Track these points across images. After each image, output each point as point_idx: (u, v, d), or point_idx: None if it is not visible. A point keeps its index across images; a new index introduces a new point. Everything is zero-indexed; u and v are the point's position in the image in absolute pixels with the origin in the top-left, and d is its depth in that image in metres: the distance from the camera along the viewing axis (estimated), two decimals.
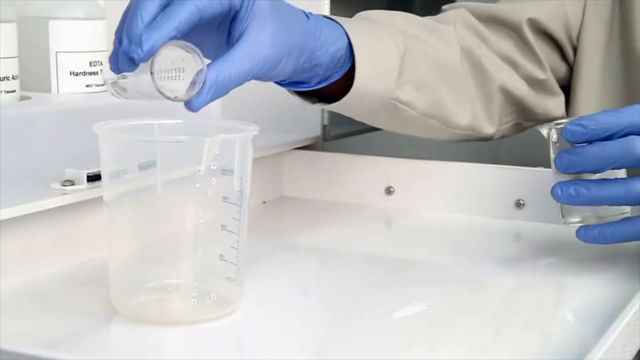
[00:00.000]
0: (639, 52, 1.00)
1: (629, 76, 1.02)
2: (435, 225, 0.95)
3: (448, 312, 0.71)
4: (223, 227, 0.65)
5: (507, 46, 1.01)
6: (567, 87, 1.07)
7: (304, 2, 1.01)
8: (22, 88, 0.91)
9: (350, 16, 0.93)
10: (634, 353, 0.66)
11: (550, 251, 0.87)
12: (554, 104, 1.05)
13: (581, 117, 0.76)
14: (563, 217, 0.80)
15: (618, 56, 1.02)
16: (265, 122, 0.96)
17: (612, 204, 0.76)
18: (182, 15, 0.66)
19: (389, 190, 1.00)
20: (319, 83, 0.81)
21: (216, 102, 1.06)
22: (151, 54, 0.65)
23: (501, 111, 1.01)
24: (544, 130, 0.79)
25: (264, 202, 1.01)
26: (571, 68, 1.06)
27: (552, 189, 0.77)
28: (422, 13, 1.07)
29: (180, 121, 0.70)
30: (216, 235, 0.65)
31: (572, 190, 0.76)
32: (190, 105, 0.69)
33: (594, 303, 0.73)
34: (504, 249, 0.89)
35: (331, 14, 1.02)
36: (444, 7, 1.07)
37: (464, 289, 0.76)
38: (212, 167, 0.62)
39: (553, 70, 1.04)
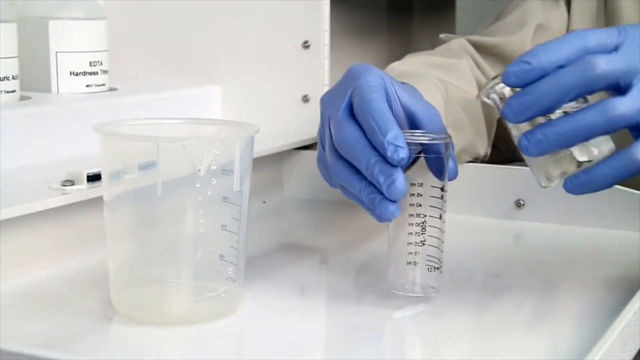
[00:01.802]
0: None
1: None
2: None
3: (448, 312, 0.71)
4: (223, 227, 0.65)
5: None
6: None
7: (304, 2, 1.02)
8: (22, 88, 0.91)
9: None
10: (634, 353, 0.66)
11: (550, 251, 0.87)
12: None
13: (522, 55, 0.67)
14: (546, 178, 0.70)
15: None
16: (265, 122, 0.96)
17: (589, 137, 0.67)
18: None
19: None
20: None
21: (216, 102, 1.07)
22: None
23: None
24: (483, 94, 0.70)
25: (264, 202, 1.01)
26: None
27: (518, 144, 0.67)
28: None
29: (180, 121, 0.70)
30: (216, 235, 0.65)
31: (538, 135, 0.66)
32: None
33: (594, 303, 0.73)
34: (504, 249, 0.89)
35: (331, 13, 1.02)
36: (442, 36, 1.09)
37: (463, 289, 0.76)
38: (212, 167, 0.62)
39: None
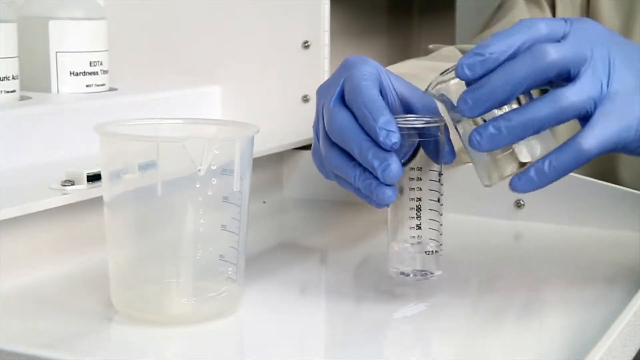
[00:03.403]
0: None
1: None
2: None
3: (448, 312, 0.71)
4: (223, 227, 0.65)
5: None
6: None
7: (304, 2, 1.02)
8: (22, 88, 0.91)
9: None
10: (634, 353, 0.66)
11: (550, 251, 0.87)
12: None
13: (473, 48, 0.66)
14: (491, 177, 0.69)
15: None
16: (265, 122, 0.96)
17: (540, 129, 0.66)
18: None
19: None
20: None
21: (216, 102, 1.07)
22: None
23: None
24: (431, 87, 0.69)
25: (264, 202, 1.01)
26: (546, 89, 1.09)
27: (469, 140, 0.66)
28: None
29: (180, 121, 0.70)
30: (216, 235, 0.65)
31: (490, 129, 0.65)
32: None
33: (594, 303, 0.73)
34: (504, 249, 0.89)
35: (331, 14, 1.02)
36: (431, 47, 1.10)
37: (463, 289, 0.76)
38: (212, 167, 0.62)
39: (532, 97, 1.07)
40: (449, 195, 0.97)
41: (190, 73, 1.07)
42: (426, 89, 0.70)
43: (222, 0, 1.05)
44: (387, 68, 0.96)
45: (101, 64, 0.97)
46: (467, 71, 0.65)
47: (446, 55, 1.05)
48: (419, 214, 0.70)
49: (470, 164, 0.98)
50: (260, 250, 0.83)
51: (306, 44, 1.02)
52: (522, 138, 0.66)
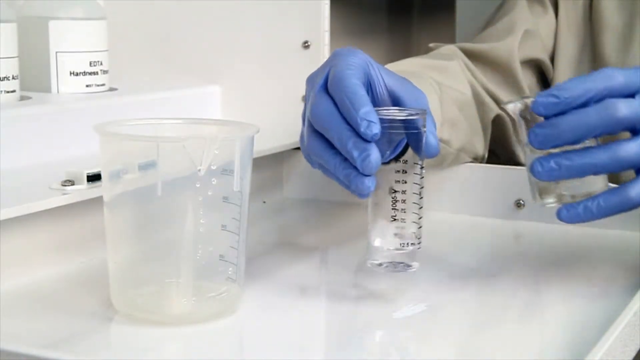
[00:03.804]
0: (608, 59, 1.02)
1: None
2: (435, 225, 0.95)
3: (448, 312, 0.71)
4: (223, 227, 0.65)
5: (494, 83, 1.05)
6: None
7: (304, 2, 1.02)
8: (22, 88, 0.91)
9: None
10: (634, 353, 0.66)
11: (550, 251, 0.87)
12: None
13: (551, 88, 0.71)
14: (540, 197, 0.75)
15: (589, 66, 1.06)
16: (265, 122, 0.96)
17: (597, 173, 0.71)
18: None
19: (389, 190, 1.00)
20: None
21: (216, 102, 1.07)
22: None
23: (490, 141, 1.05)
24: (509, 107, 0.74)
25: (264, 202, 1.01)
26: (548, 86, 1.09)
27: (531, 166, 0.72)
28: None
29: (180, 121, 0.70)
30: (216, 236, 0.65)
31: (552, 163, 0.71)
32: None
33: (594, 303, 0.73)
34: (504, 249, 0.89)
35: (331, 14, 1.02)
36: (431, 45, 1.10)
37: (463, 289, 0.76)
38: (212, 167, 0.62)
39: (533, 95, 1.08)
40: (449, 195, 0.98)
41: (190, 73, 1.07)
42: (504, 102, 0.74)
43: (222, 0, 1.05)
44: (387, 66, 0.97)
45: (101, 64, 0.97)
46: (541, 109, 0.70)
47: (445, 54, 1.05)
48: (403, 207, 0.70)
49: (470, 163, 0.99)
50: (260, 250, 0.83)
51: (306, 44, 1.02)
52: (578, 177, 0.71)
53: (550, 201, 0.74)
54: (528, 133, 0.71)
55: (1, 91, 0.87)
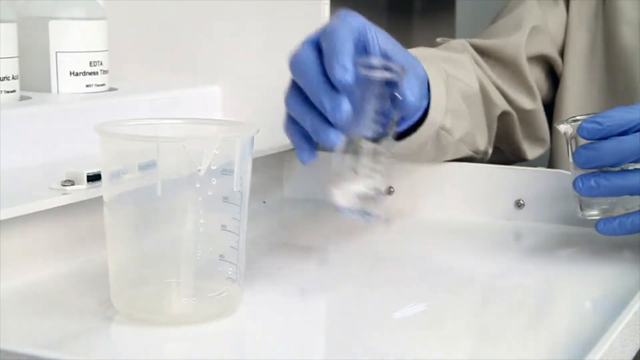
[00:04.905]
0: (626, 51, 1.02)
1: (614, 78, 1.05)
2: (435, 225, 0.95)
3: (448, 312, 0.71)
4: (223, 227, 0.65)
5: (502, 79, 1.06)
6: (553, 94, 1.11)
7: (304, 2, 1.02)
8: (22, 88, 0.91)
9: None
10: (634, 353, 0.66)
11: (550, 251, 0.87)
12: (537, 150, 1.11)
13: (596, 115, 0.78)
14: (582, 210, 0.81)
15: (602, 60, 1.05)
16: (265, 122, 0.96)
17: (632, 194, 0.78)
18: None
19: (389, 191, 1.00)
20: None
21: (216, 102, 1.07)
22: None
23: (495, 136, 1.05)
24: (561, 127, 0.81)
25: (264, 202, 1.01)
26: (557, 81, 1.09)
27: (574, 182, 0.79)
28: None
29: (180, 121, 0.70)
30: (216, 236, 0.65)
31: (592, 182, 0.78)
32: None
33: (594, 303, 0.73)
34: (504, 249, 0.89)
35: (331, 14, 1.02)
36: (439, 40, 1.10)
37: (463, 289, 0.76)
38: (212, 167, 0.62)
39: (541, 91, 1.08)
40: (449, 196, 0.98)
41: (190, 73, 1.07)
42: (557, 122, 0.83)
43: (223, 0, 1.05)
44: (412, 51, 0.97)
45: (101, 64, 0.97)
46: (585, 133, 0.77)
47: (456, 48, 1.05)
48: (375, 159, 0.70)
49: (470, 163, 0.99)
50: (260, 250, 0.83)
51: None
52: (615, 196, 0.79)
53: (591, 214, 0.81)
54: (573, 153, 0.79)
55: (1, 91, 0.87)
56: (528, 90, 1.07)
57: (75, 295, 0.70)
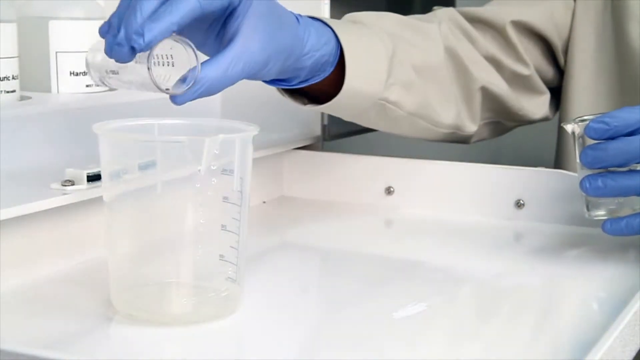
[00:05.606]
0: (635, 47, 1.01)
1: (622, 76, 1.04)
2: (436, 225, 0.95)
3: (448, 312, 0.71)
4: (223, 227, 0.65)
5: (493, 46, 1.05)
6: (557, 90, 1.09)
7: (304, 2, 1.02)
8: (22, 88, 0.91)
9: None
10: (634, 353, 0.66)
11: (550, 251, 0.87)
12: (538, 103, 1.08)
13: (603, 115, 0.78)
14: (589, 210, 0.81)
15: (610, 57, 1.05)
16: (265, 122, 0.96)
17: (639, 194, 0.78)
18: (184, 10, 0.67)
19: (388, 190, 1.00)
20: (300, 83, 0.83)
21: (216, 102, 1.07)
22: (152, 46, 0.66)
23: (481, 109, 1.04)
24: (568, 127, 0.81)
25: (264, 202, 1.01)
26: (561, 70, 1.08)
27: (581, 182, 0.79)
28: (422, 13, 1.07)
29: (180, 121, 0.70)
30: (216, 235, 0.65)
31: (599, 182, 0.78)
32: (175, 100, 0.69)
33: (594, 303, 0.73)
34: (504, 249, 0.89)
35: (331, 14, 1.02)
36: (435, 7, 1.09)
37: (463, 289, 0.76)
38: (212, 167, 0.62)
39: (540, 71, 1.08)
40: (449, 196, 0.98)
41: None
42: (570, 120, 0.81)
43: None
44: (358, 13, 0.96)
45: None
46: (592, 133, 0.78)
47: (431, 16, 1.04)
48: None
49: (470, 163, 0.99)
50: (260, 250, 0.83)
51: None
52: (622, 196, 0.79)
53: (598, 214, 0.81)
54: (580, 153, 0.79)
55: (1, 91, 0.87)
56: (520, 58, 1.05)
57: (75, 295, 0.70)
